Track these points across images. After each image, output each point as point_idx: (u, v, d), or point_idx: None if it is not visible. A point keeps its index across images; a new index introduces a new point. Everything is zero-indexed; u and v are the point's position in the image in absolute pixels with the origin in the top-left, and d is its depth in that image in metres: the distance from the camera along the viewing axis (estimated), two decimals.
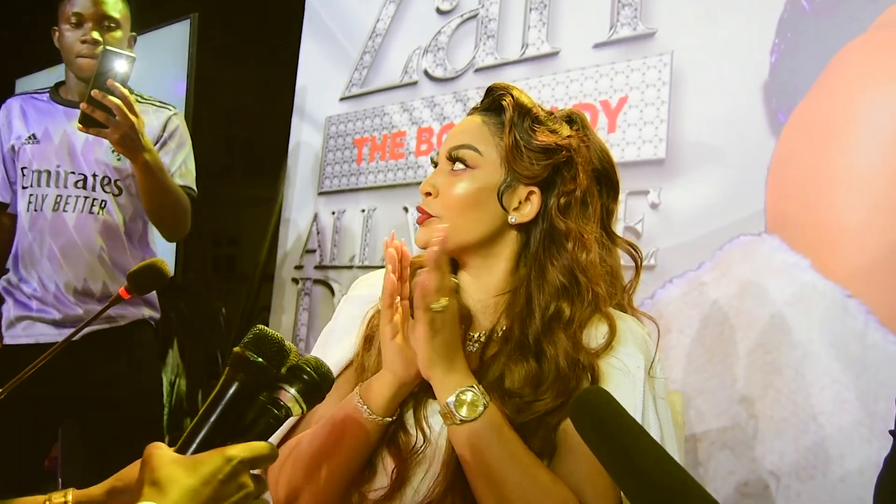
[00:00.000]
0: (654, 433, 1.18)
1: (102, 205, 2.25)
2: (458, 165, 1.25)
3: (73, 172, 2.24)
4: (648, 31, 2.20)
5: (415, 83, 2.85)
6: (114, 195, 2.27)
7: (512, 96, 1.27)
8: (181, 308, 4.08)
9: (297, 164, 3.32)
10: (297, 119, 3.35)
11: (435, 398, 1.18)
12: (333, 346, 1.33)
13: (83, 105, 1.92)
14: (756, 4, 2.00)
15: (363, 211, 2.96)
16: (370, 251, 2.90)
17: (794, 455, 1.76)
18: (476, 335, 1.26)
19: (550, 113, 1.31)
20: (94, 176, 2.25)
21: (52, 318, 2.22)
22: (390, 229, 2.83)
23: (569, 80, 2.36)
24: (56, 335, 2.19)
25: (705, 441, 1.90)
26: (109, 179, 2.27)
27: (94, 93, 1.91)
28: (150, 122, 2.26)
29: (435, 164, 1.30)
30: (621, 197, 2.11)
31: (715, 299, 1.95)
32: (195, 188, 2.35)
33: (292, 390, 0.90)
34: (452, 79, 2.72)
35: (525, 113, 1.26)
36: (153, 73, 3.96)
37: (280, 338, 0.91)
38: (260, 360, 0.88)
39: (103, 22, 2.22)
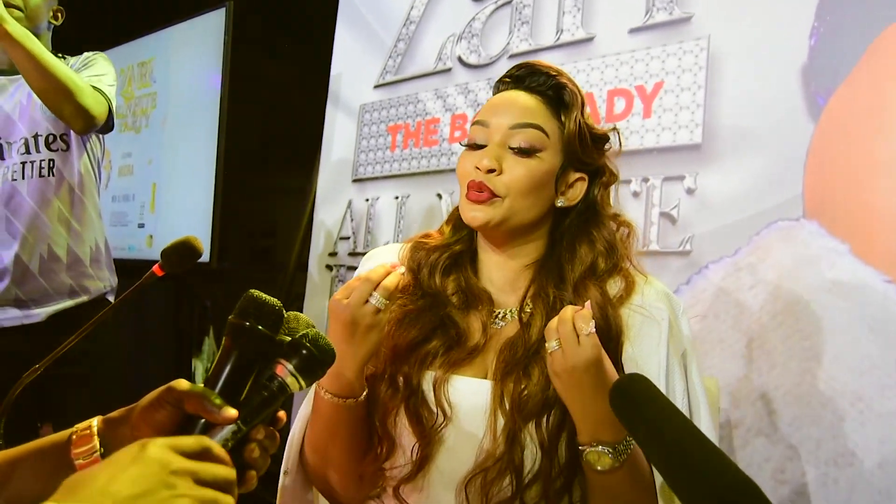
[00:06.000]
0: (679, 392, 1.20)
1: (51, 164, 2.21)
2: (524, 143, 1.23)
3: (11, 142, 2.20)
4: (685, 16, 2.17)
5: (448, 70, 2.85)
6: (62, 150, 2.22)
7: (572, 82, 1.28)
8: (217, 296, 4.12)
9: (331, 151, 3.34)
10: (332, 107, 3.36)
11: (456, 374, 1.20)
12: None
13: None
14: None
15: (397, 198, 2.96)
16: (404, 238, 2.90)
17: (832, 442, 1.74)
18: (503, 311, 1.28)
19: None
20: (36, 136, 2.20)
21: (13, 297, 2.19)
22: (424, 216, 2.84)
23: (604, 65, 2.35)
24: (21, 317, 2.20)
25: (741, 428, 1.89)
26: (55, 136, 2.21)
27: None
28: (68, 62, 2.23)
29: (475, 147, 1.27)
30: (657, 183, 2.13)
31: (752, 285, 1.93)
32: (107, 94, 2.25)
33: (290, 365, 0.85)
34: (486, 65, 2.72)
35: (583, 101, 1.28)
36: (189, 62, 4.01)
37: (272, 300, 0.87)
38: (255, 324, 0.85)
39: None
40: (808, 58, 1.93)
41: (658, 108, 2.19)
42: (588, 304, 1.10)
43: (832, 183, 1.85)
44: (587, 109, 1.29)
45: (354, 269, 3.07)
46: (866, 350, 1.72)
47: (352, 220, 3.14)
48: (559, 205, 1.27)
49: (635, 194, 2.17)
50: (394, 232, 2.94)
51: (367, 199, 3.08)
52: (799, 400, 1.81)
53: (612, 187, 1.34)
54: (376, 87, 3.14)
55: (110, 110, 2.24)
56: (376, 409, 1.22)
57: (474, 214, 1.22)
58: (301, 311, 3.31)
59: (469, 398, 1.19)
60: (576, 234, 1.28)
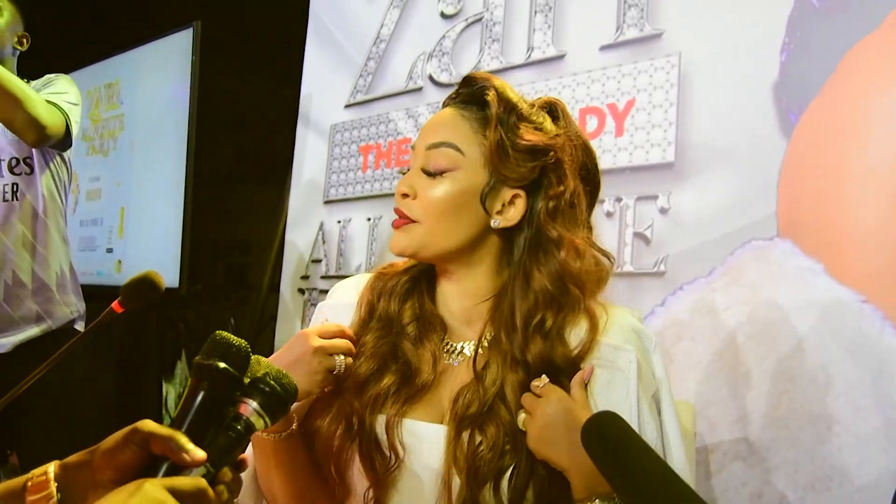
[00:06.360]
0: (651, 436, 1.13)
1: (15, 188, 2.17)
2: (432, 164, 1.17)
3: None
4: (655, 32, 2.16)
5: (419, 89, 2.82)
6: (26, 174, 2.18)
7: (496, 89, 1.18)
8: (188, 319, 4.05)
9: (301, 173, 3.29)
10: (303, 127, 3.32)
11: (408, 418, 1.16)
12: None
13: None
14: (765, 3, 1.95)
15: (369, 219, 2.92)
16: (377, 260, 2.86)
17: (810, 465, 1.71)
18: (459, 346, 1.22)
19: (534, 105, 1.23)
20: None
21: None
22: None
23: (575, 83, 2.32)
24: None
25: (717, 452, 1.85)
26: (18, 160, 2.17)
27: None
28: (31, 85, 2.20)
29: (407, 172, 1.23)
30: (630, 202, 2.10)
31: (727, 306, 1.90)
32: (63, 109, 2.20)
33: (254, 403, 0.84)
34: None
35: (511, 108, 1.18)
36: (157, 83, 3.95)
37: (239, 341, 0.86)
38: (222, 364, 0.83)
39: None
40: (779, 74, 1.91)
41: (630, 126, 2.16)
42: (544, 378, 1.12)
43: (806, 201, 1.83)
44: (519, 119, 1.18)
45: (327, 292, 3.03)
46: (842, 371, 1.70)
47: (324, 242, 3.09)
48: (495, 226, 1.17)
49: (609, 214, 2.14)
50: (366, 254, 2.90)
51: (339, 221, 3.04)
52: (776, 422, 1.78)
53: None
54: (347, 106, 3.10)
55: (68, 126, 2.19)
56: (329, 449, 1.17)
57: (392, 243, 1.20)
58: (273, 335, 3.24)
59: (422, 446, 1.14)
60: (528, 267, 1.17)
